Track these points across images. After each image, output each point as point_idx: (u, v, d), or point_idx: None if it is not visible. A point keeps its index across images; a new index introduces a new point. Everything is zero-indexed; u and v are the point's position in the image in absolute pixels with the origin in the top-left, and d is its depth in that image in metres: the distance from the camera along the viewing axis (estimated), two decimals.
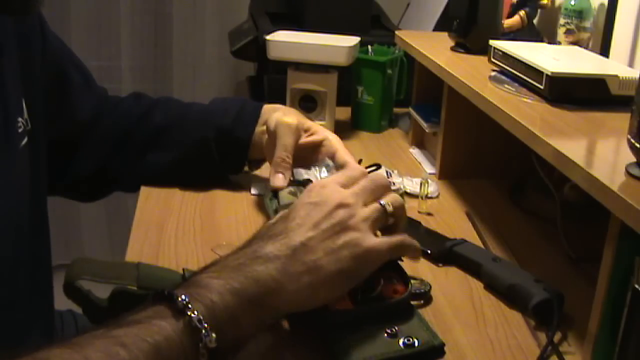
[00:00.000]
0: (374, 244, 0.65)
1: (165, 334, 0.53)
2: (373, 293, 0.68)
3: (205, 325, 0.54)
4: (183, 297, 0.55)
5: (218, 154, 0.98)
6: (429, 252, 0.87)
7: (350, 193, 0.68)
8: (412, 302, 0.72)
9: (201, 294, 0.56)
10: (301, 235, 0.63)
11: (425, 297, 0.78)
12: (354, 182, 0.70)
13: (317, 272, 0.62)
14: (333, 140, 0.90)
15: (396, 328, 0.66)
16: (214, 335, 0.54)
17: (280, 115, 0.91)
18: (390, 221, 0.69)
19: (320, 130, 0.92)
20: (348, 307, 0.67)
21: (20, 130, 0.76)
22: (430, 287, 0.79)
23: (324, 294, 0.63)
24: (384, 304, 0.68)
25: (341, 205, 0.66)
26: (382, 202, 0.68)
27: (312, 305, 0.63)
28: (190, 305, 0.54)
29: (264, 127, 0.95)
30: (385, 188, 0.71)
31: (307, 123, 0.93)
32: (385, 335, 0.65)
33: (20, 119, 0.76)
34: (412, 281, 0.73)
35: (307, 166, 0.90)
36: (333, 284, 0.63)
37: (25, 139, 0.77)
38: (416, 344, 0.64)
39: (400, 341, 0.64)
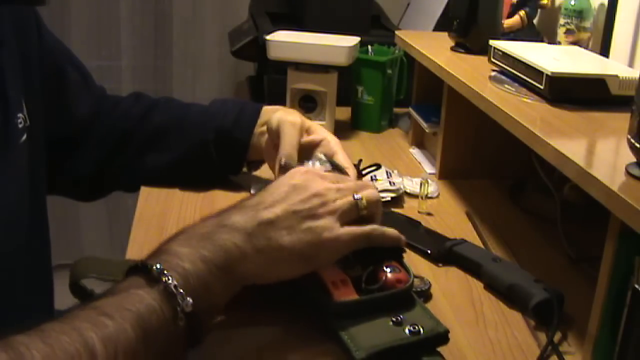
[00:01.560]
0: (335, 236, 0.68)
1: (145, 302, 0.55)
2: (377, 283, 0.70)
3: (181, 291, 0.57)
4: (158, 266, 0.57)
5: (217, 156, 0.98)
6: (429, 252, 0.87)
7: (331, 187, 0.71)
8: None
9: (173, 262, 0.59)
10: (271, 212, 0.66)
11: (425, 295, 0.78)
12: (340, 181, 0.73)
13: (277, 249, 0.65)
14: (332, 142, 0.90)
15: (401, 316, 0.67)
16: (189, 299, 0.57)
17: (282, 114, 0.91)
18: (362, 213, 0.71)
19: (319, 130, 0.92)
20: (353, 297, 0.68)
21: (20, 126, 0.76)
22: (430, 284, 0.79)
23: (284, 270, 0.67)
24: (388, 293, 0.69)
25: (317, 195, 0.69)
26: (356, 196, 0.71)
27: (276, 278, 0.67)
28: (165, 272, 0.57)
29: (264, 128, 0.95)
30: (366, 187, 0.74)
31: (308, 122, 0.93)
32: (391, 323, 0.66)
33: (20, 115, 0.77)
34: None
35: (301, 162, 0.90)
36: (292, 263, 0.67)
37: (25, 136, 0.77)
38: (421, 331, 0.65)
39: (406, 329, 0.65)
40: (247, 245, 0.63)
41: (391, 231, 0.72)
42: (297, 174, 0.72)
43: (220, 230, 0.63)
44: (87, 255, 0.77)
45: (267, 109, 0.98)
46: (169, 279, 0.57)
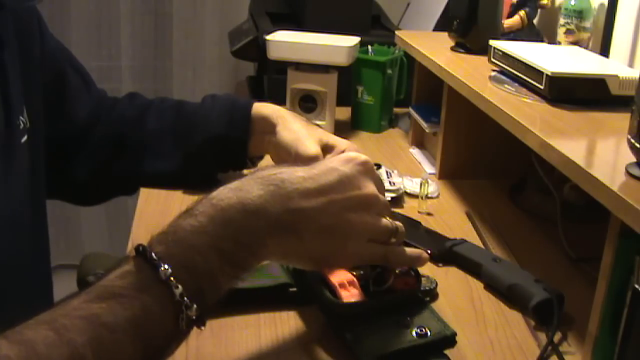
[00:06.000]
0: (357, 251, 0.64)
1: (147, 310, 0.52)
2: (384, 285, 0.69)
3: (187, 300, 0.53)
4: (166, 266, 0.53)
5: (215, 162, 0.97)
6: (429, 252, 0.87)
7: (380, 197, 0.65)
8: None
9: (185, 257, 0.55)
10: (310, 203, 0.60)
11: (432, 294, 0.78)
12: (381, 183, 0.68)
13: (299, 243, 0.61)
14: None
15: (408, 319, 0.67)
16: (195, 306, 0.54)
17: (294, 141, 0.86)
18: (391, 241, 0.67)
19: (341, 145, 0.87)
20: (360, 299, 0.68)
21: (21, 127, 0.77)
22: (437, 284, 0.79)
23: (293, 262, 0.66)
24: (395, 296, 0.69)
25: (367, 198, 0.63)
26: (396, 224, 0.67)
27: (281, 263, 0.71)
28: (172, 278, 0.53)
29: (264, 136, 0.93)
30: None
31: (325, 138, 0.86)
32: (398, 325, 0.66)
33: (20, 117, 0.77)
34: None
35: None
36: (305, 261, 0.64)
37: (25, 137, 0.78)
38: (429, 334, 0.65)
39: (413, 331, 0.65)
40: (273, 239, 0.59)
41: (412, 251, 0.69)
42: (350, 164, 0.64)
43: (250, 219, 0.58)
44: (95, 252, 0.76)
45: (258, 108, 0.95)
46: (177, 287, 0.53)
